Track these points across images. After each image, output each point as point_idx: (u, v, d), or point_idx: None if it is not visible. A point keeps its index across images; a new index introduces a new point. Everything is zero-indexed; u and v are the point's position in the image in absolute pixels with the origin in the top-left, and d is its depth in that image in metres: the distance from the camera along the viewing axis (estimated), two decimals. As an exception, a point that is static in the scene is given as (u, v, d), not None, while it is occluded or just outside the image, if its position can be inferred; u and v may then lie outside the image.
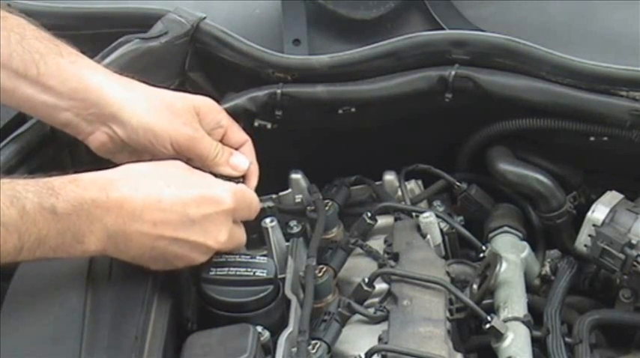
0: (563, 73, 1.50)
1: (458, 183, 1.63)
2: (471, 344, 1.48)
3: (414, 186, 1.64)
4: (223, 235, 1.28)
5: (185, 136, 1.37)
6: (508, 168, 1.59)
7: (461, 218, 1.63)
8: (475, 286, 1.48)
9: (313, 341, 1.33)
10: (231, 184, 1.33)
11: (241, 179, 1.43)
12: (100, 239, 1.20)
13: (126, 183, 1.22)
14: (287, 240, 1.53)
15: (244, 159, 1.43)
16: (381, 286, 1.45)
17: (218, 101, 1.57)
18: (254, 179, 1.44)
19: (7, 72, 1.27)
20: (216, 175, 1.38)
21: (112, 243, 1.21)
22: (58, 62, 1.30)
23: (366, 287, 1.43)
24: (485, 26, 1.68)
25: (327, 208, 1.56)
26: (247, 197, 1.34)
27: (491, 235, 1.61)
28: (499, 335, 1.39)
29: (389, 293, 1.42)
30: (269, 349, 1.31)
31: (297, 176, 1.60)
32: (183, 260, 1.28)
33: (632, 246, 1.47)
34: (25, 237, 1.13)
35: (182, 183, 1.26)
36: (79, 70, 1.31)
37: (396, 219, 1.57)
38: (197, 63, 1.59)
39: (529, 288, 1.55)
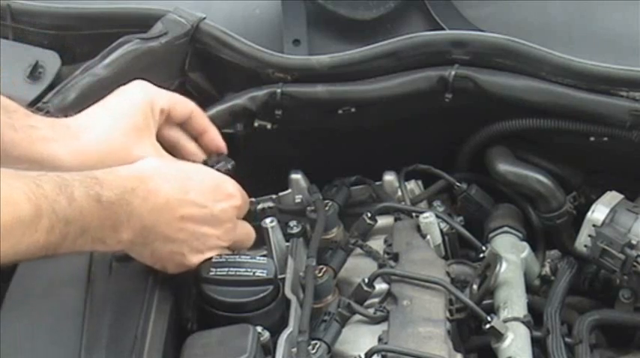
0: (563, 73, 1.50)
1: (458, 184, 1.63)
2: (471, 344, 1.48)
3: (414, 186, 1.64)
4: (233, 229, 1.35)
5: None
6: (508, 168, 1.59)
7: (461, 218, 1.63)
8: (475, 286, 1.48)
9: (313, 342, 1.33)
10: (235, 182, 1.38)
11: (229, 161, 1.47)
12: (134, 229, 1.23)
13: (158, 175, 1.26)
14: (287, 240, 1.52)
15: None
16: (381, 286, 1.45)
17: (218, 101, 1.57)
18: None
19: None
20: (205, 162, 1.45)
21: (143, 234, 1.24)
22: (12, 138, 1.30)
23: (366, 288, 1.43)
24: (485, 26, 1.68)
25: (327, 208, 1.56)
26: (245, 194, 1.38)
27: (491, 235, 1.61)
28: (499, 336, 1.39)
29: (389, 294, 1.42)
30: (269, 349, 1.31)
31: (297, 176, 1.60)
32: (195, 255, 1.31)
33: (632, 246, 1.47)
34: (71, 225, 1.15)
35: (209, 181, 1.33)
36: (33, 145, 1.31)
37: (396, 220, 1.57)
38: (197, 63, 1.60)
39: (529, 288, 1.55)
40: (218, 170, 1.41)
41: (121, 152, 1.35)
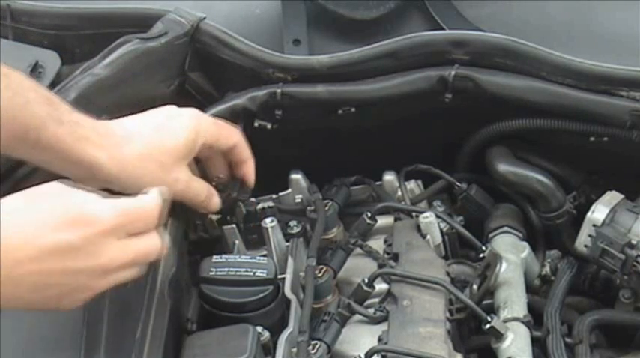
0: (563, 73, 1.50)
1: (458, 184, 1.63)
2: (471, 344, 1.48)
3: (414, 186, 1.64)
4: (114, 252, 1.17)
5: (175, 193, 1.36)
6: (508, 168, 1.59)
7: (461, 218, 1.63)
8: (475, 286, 1.48)
9: (313, 342, 1.34)
10: (116, 200, 1.20)
11: None
12: None
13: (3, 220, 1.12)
14: (287, 240, 1.52)
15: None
16: (381, 286, 1.45)
17: (218, 101, 1.57)
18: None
19: (7, 134, 1.24)
20: None
21: (5, 291, 1.11)
22: (57, 131, 1.27)
23: (366, 288, 1.43)
24: (485, 26, 1.68)
25: (326, 208, 1.56)
26: (138, 209, 1.21)
27: (491, 235, 1.61)
28: (499, 336, 1.39)
29: (389, 294, 1.42)
30: (269, 349, 1.31)
31: (297, 176, 1.60)
32: (84, 290, 1.17)
33: (632, 246, 1.46)
34: None
35: (53, 209, 1.16)
36: (76, 143, 1.29)
37: (396, 219, 1.57)
38: (197, 63, 1.59)
39: (529, 288, 1.55)
40: (233, 197, 1.46)
41: (157, 170, 1.35)
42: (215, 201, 1.44)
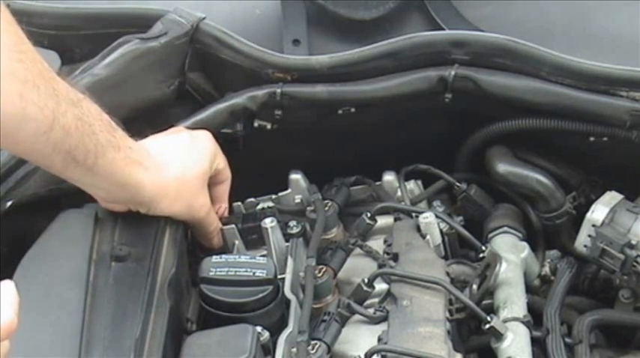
0: (563, 73, 1.50)
1: (458, 184, 1.63)
2: (471, 344, 1.48)
3: (413, 186, 1.64)
4: None
5: (196, 219, 1.44)
6: (508, 168, 1.59)
7: (460, 218, 1.63)
8: (475, 286, 1.48)
9: (313, 342, 1.33)
10: None
11: None
12: None
13: None
14: (287, 240, 1.52)
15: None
16: (380, 286, 1.45)
17: (218, 101, 1.57)
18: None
19: (66, 158, 1.27)
20: None
21: None
22: (113, 157, 1.31)
23: (365, 288, 1.43)
24: (485, 26, 1.68)
25: (326, 208, 1.56)
26: None
27: (491, 235, 1.61)
28: (499, 336, 1.39)
29: (388, 294, 1.42)
30: (269, 349, 1.31)
31: (296, 176, 1.60)
32: None
33: (631, 247, 1.46)
34: None
35: None
36: (127, 167, 1.33)
37: (395, 220, 1.57)
38: (197, 63, 1.59)
39: (529, 288, 1.55)
40: None
41: (188, 195, 1.40)
42: (219, 237, 1.50)
